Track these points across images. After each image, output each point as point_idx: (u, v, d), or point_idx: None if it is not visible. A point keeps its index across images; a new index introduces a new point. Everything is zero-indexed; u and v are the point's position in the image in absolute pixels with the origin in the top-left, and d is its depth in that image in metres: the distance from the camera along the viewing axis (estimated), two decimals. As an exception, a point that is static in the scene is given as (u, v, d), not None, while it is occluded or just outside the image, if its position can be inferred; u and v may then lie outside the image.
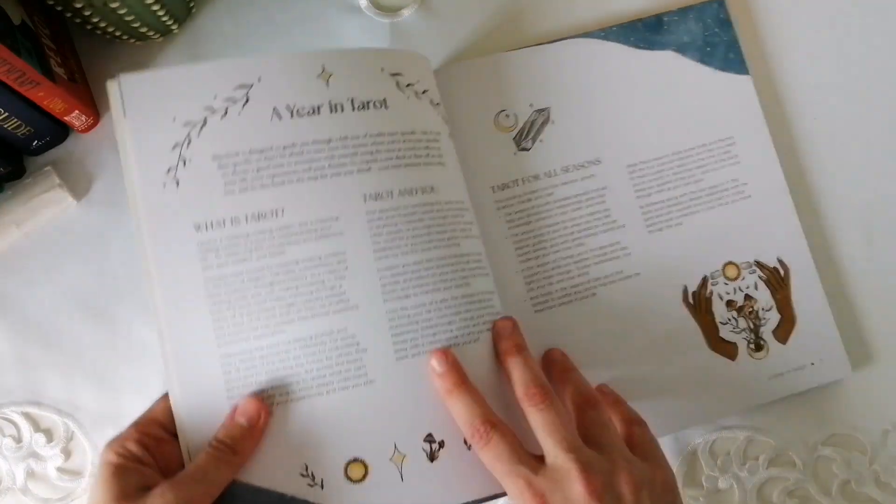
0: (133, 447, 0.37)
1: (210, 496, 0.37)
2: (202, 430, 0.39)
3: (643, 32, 0.50)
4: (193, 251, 0.40)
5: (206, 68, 0.41)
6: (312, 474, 0.39)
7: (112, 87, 0.40)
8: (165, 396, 0.40)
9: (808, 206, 0.50)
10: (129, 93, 0.40)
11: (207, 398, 0.39)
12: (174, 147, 0.40)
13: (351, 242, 0.41)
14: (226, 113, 0.40)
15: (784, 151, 0.50)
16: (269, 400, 0.39)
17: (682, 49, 0.50)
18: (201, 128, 0.40)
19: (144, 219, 0.40)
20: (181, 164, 0.40)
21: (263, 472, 0.39)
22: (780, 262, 0.48)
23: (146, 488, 0.36)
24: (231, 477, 0.38)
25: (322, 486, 0.39)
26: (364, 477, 0.40)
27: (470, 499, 0.40)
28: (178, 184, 0.40)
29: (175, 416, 0.39)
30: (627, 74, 0.49)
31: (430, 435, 0.40)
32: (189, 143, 0.40)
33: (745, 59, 0.50)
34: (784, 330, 0.47)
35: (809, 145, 0.51)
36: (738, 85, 0.50)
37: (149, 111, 0.40)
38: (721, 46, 0.50)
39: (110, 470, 0.36)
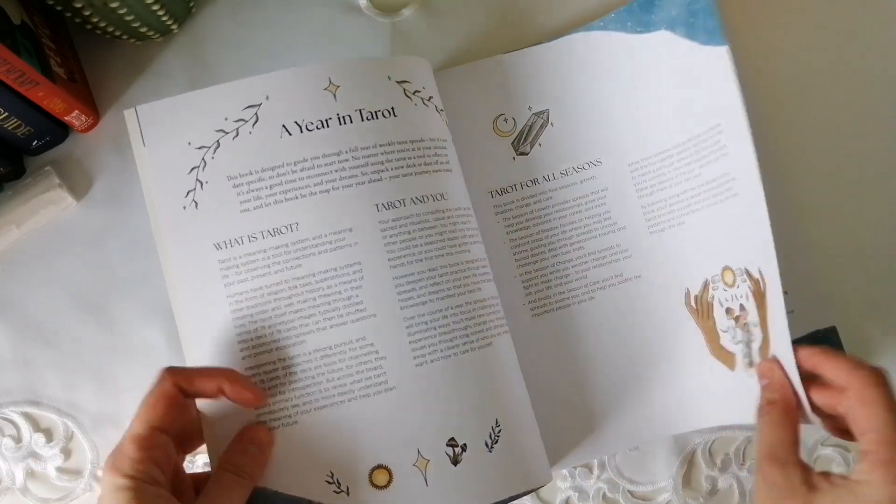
0: (146, 466, 0.35)
1: None
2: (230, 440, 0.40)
3: (638, 14, 0.48)
4: (215, 269, 0.41)
5: (214, 91, 0.42)
6: (338, 481, 0.40)
7: (130, 117, 0.42)
8: (153, 397, 0.38)
9: (806, 206, 0.50)
10: (146, 122, 0.42)
11: (234, 408, 0.40)
12: (191, 171, 0.42)
13: (365, 252, 0.41)
14: (237, 134, 0.42)
15: (779, 153, 0.49)
16: (294, 410, 0.40)
17: (671, 25, 0.46)
18: (215, 150, 0.42)
19: (168, 240, 0.41)
20: (199, 186, 0.41)
21: (291, 480, 0.40)
22: (760, 273, 0.42)
23: None
24: (244, 499, 0.38)
25: (348, 493, 0.40)
26: (389, 483, 0.40)
27: (494, 500, 0.41)
28: (196, 205, 0.41)
29: (204, 427, 0.40)
30: (626, 64, 0.48)
31: (452, 439, 0.41)
32: (205, 167, 0.42)
33: (721, 28, 0.44)
34: (765, 350, 0.42)
35: (808, 145, 0.50)
36: (717, 59, 0.44)
37: (165, 138, 0.42)
38: (700, 15, 0.45)
39: (128, 495, 0.34)
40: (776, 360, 0.39)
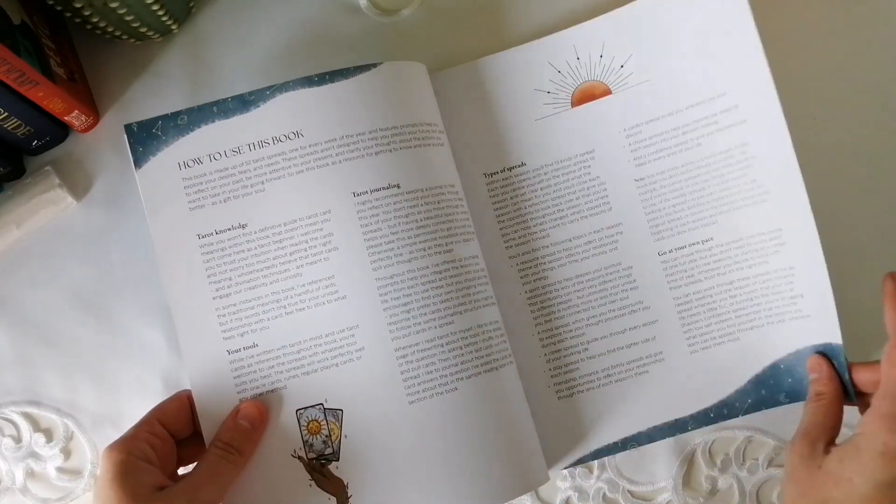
0: (143, 446, 0.38)
1: (221, 495, 0.39)
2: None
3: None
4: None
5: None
6: None
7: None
8: (169, 399, 0.42)
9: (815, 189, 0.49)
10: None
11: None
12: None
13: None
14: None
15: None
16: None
17: None
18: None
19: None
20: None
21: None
22: None
23: (157, 488, 0.37)
24: (237, 476, 0.40)
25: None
26: None
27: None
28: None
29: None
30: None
31: None
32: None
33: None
34: None
35: (808, 146, 0.50)
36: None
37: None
38: None
39: (121, 468, 0.37)
40: (824, 356, 0.43)
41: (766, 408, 0.45)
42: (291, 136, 0.44)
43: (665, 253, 0.47)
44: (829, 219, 0.50)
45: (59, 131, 0.49)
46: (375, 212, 0.43)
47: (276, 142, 0.44)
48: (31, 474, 0.49)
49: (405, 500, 0.41)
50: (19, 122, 0.45)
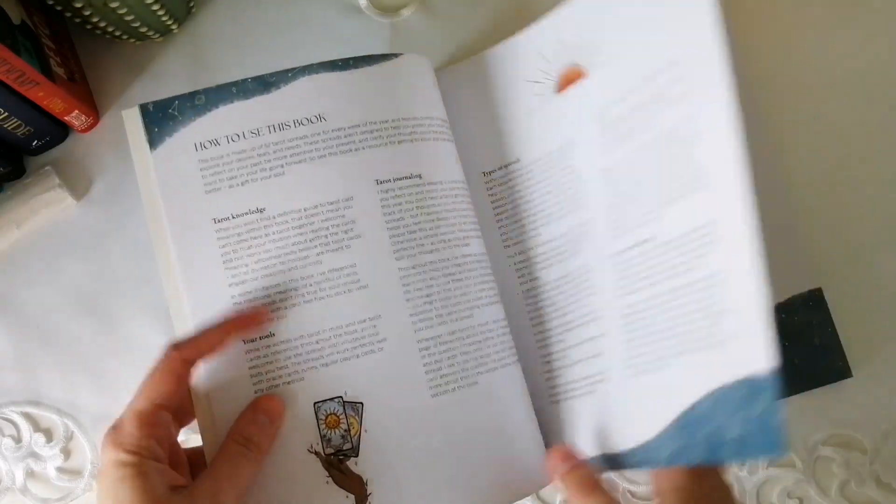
0: (151, 444, 0.35)
1: (241, 495, 0.36)
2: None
3: None
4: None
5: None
6: None
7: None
8: (162, 372, 0.38)
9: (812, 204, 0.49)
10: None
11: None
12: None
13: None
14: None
15: (780, 153, 0.49)
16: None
17: None
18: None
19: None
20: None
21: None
22: None
23: (172, 487, 0.34)
24: (255, 472, 0.38)
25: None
26: None
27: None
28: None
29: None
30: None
31: None
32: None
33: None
34: None
35: (808, 145, 0.50)
36: None
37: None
38: None
39: (131, 471, 0.34)
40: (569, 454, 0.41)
41: (682, 463, 0.36)
42: (314, 119, 0.42)
43: (615, 255, 0.42)
44: (830, 219, 0.50)
45: (59, 131, 0.49)
46: (398, 200, 0.42)
47: (297, 125, 0.42)
48: (31, 474, 0.49)
49: (426, 499, 0.40)
50: (19, 122, 0.45)
